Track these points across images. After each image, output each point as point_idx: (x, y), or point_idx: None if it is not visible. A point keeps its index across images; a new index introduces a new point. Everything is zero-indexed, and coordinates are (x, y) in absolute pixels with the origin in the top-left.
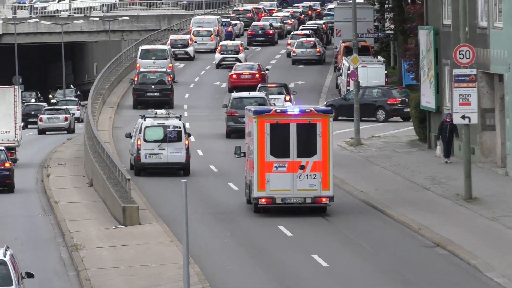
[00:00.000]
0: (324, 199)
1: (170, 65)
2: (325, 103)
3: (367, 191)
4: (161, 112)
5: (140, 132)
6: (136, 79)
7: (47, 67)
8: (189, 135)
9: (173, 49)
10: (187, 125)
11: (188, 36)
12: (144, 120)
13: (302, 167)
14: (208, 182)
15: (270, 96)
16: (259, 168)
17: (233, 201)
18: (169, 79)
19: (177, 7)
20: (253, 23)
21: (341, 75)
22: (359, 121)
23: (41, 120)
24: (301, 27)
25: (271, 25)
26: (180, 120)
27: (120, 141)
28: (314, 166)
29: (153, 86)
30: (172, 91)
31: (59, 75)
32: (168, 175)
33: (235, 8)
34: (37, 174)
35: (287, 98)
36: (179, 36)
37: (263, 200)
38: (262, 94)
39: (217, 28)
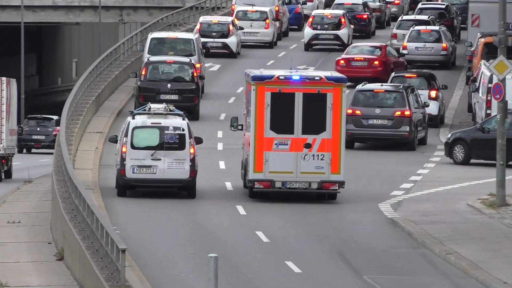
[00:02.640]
0: (333, 185)
1: (198, 65)
2: (449, 135)
3: None
4: (158, 107)
5: (126, 135)
6: (143, 73)
7: None
8: (198, 140)
9: (203, 40)
10: (221, 164)
11: (229, 20)
12: (133, 118)
13: (308, 146)
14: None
15: None
16: (257, 145)
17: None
18: (194, 74)
19: None
20: (336, 2)
21: (477, 90)
22: (504, 167)
23: None
24: (418, 8)
25: (365, 4)
26: (184, 119)
27: (111, 188)
28: (323, 145)
29: (169, 85)
30: (198, 94)
31: (16, 76)
32: (167, 196)
33: None
34: None
35: (433, 94)
36: (214, 19)
37: (260, 183)
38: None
39: (276, 8)
